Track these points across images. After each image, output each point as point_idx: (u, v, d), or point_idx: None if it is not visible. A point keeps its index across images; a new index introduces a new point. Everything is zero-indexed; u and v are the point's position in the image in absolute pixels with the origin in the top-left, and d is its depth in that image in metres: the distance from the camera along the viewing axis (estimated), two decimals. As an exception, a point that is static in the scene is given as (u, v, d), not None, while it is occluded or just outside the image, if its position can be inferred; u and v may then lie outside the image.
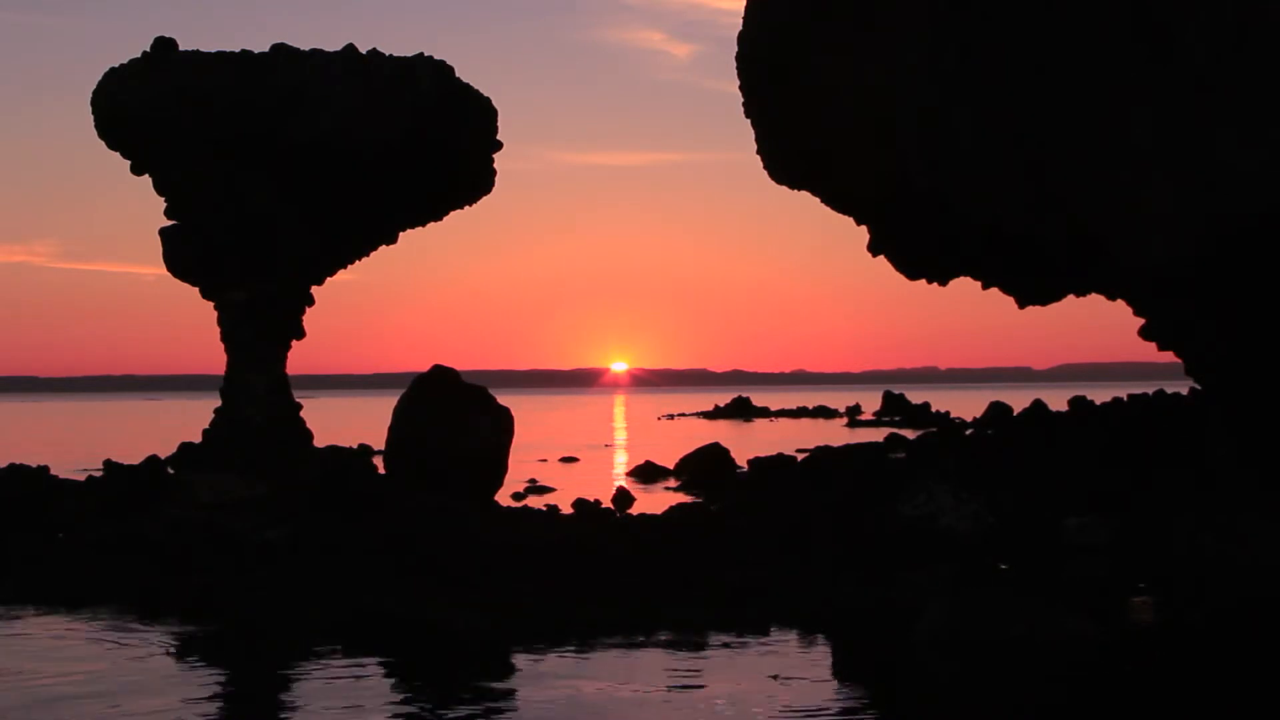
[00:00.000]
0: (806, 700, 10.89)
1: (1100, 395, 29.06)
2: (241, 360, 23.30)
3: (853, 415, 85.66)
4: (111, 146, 23.69)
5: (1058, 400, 30.28)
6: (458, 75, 24.24)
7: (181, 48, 23.35)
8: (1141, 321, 18.90)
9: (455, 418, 23.01)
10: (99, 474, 25.37)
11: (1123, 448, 20.82)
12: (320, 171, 22.97)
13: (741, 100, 20.73)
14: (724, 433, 63.96)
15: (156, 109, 22.57)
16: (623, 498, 25.94)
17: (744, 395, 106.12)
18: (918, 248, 21.16)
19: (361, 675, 11.96)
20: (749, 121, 20.95)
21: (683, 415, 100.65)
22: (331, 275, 25.14)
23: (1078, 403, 27.71)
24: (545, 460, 42.38)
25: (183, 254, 23.34)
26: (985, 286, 21.77)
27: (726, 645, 12.92)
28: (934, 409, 72.63)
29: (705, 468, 31.96)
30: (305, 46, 23.33)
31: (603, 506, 23.30)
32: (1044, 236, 17.67)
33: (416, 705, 10.99)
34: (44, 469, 24.43)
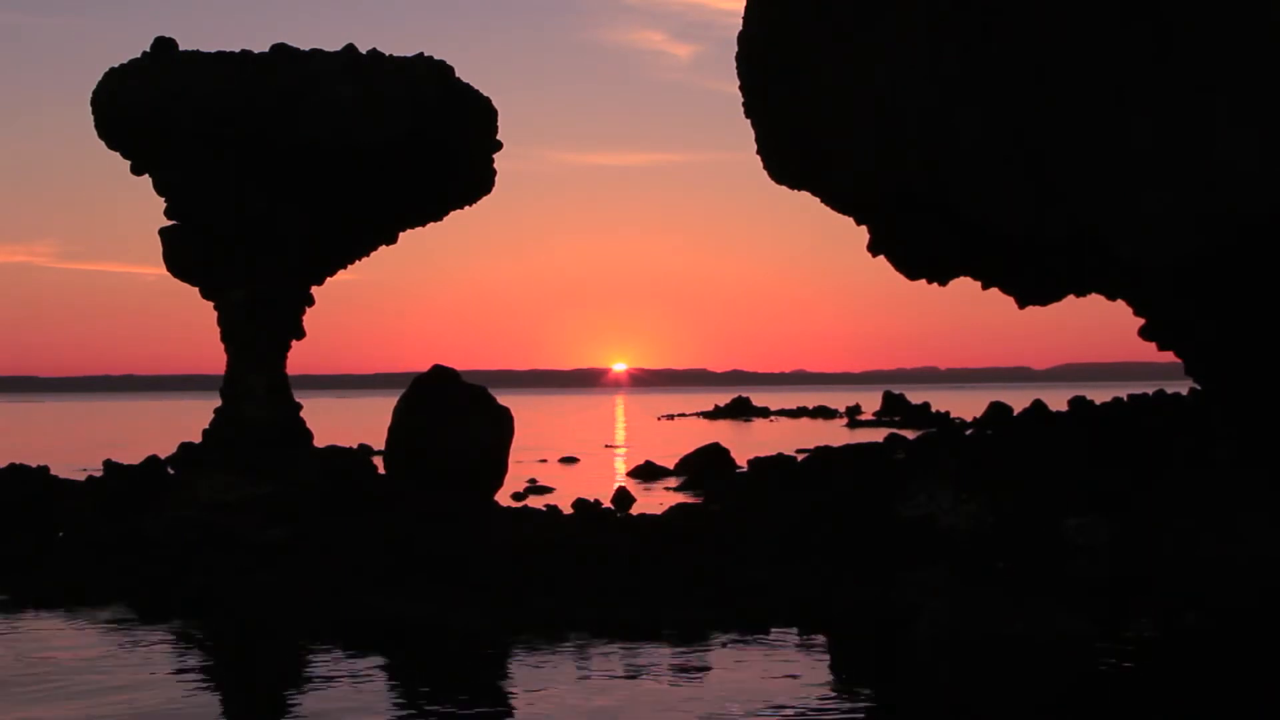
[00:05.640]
0: (806, 699, 10.89)
1: (1100, 395, 29.00)
2: (241, 360, 23.25)
3: (853, 415, 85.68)
4: (111, 146, 23.64)
5: (1058, 400, 30.22)
6: (458, 75, 24.23)
7: (181, 48, 23.32)
8: (1141, 321, 18.91)
9: (455, 418, 23.01)
10: (99, 474, 25.36)
11: (1123, 448, 20.79)
12: (320, 171, 22.92)
13: (742, 100, 20.73)
14: (724, 433, 63.95)
15: (156, 109, 22.51)
16: (623, 498, 25.95)
17: (744, 395, 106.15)
18: (917, 247, 21.14)
19: (361, 675, 11.96)
20: (749, 121, 20.94)
21: (682, 415, 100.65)
22: (331, 275, 25.12)
23: (1078, 403, 27.67)
24: (545, 460, 42.38)
25: (183, 254, 23.29)
26: (985, 286, 21.76)
27: (727, 645, 12.92)
28: (934, 409, 72.63)
29: (705, 468, 31.99)
30: (305, 46, 23.31)
31: (603, 506, 23.31)
32: (1044, 236, 17.67)
33: (416, 705, 10.98)
34: (44, 469, 24.42)
